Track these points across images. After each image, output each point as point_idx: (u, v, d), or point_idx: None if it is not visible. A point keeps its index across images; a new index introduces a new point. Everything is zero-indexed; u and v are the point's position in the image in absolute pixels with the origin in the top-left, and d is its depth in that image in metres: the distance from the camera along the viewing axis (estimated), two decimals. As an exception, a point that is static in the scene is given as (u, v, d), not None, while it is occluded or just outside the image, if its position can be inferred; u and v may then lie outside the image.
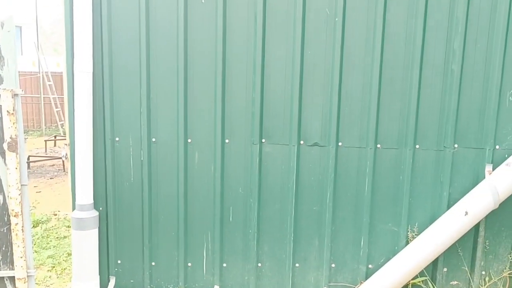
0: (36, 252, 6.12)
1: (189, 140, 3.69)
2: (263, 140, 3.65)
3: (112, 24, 3.57)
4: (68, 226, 7.47)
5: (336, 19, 3.44)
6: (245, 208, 3.76)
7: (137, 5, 3.53)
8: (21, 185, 2.95)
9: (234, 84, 3.59)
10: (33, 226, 7.18)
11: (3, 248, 3.04)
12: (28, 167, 11.53)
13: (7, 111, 2.76)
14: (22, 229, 2.97)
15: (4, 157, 2.90)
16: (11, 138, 2.80)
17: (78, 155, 3.57)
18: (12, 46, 2.86)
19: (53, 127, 17.79)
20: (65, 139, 15.92)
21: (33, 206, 8.39)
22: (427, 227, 3.59)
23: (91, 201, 3.67)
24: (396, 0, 3.41)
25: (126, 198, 3.79)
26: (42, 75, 16.56)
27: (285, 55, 3.52)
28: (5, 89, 2.78)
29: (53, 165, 12.73)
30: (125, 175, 3.75)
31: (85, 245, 3.66)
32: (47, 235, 6.97)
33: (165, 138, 3.69)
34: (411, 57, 3.45)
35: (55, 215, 8.15)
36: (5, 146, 2.78)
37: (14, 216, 2.89)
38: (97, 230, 3.72)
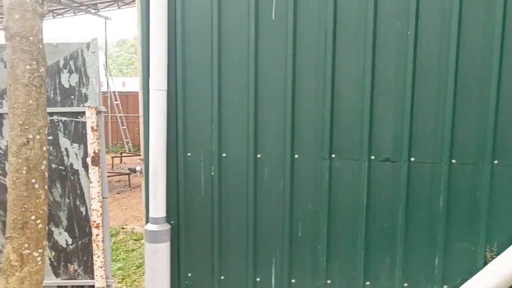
0: (106, 264, 6.36)
1: (258, 156, 3.73)
2: (333, 156, 3.63)
3: (186, 43, 3.70)
4: (136, 240, 7.72)
5: (408, 33, 3.40)
6: (314, 223, 3.74)
7: (210, 23, 3.65)
8: (103, 197, 3.09)
9: (304, 98, 3.61)
10: (103, 239, 7.46)
11: (84, 258, 3.18)
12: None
13: (91, 127, 2.92)
14: (102, 240, 3.10)
15: (87, 171, 3.06)
16: (94, 152, 2.95)
17: (152, 170, 3.69)
18: (96, 66, 3.04)
19: (119, 145, 18.52)
20: (131, 155, 16.43)
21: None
22: (507, 246, 3.41)
23: (164, 214, 3.78)
24: (471, 13, 3.32)
25: (197, 212, 3.87)
26: (110, 94, 17.34)
27: (356, 69, 3.51)
28: (89, 106, 2.95)
29: (120, 180, 13.22)
30: (196, 189, 3.84)
31: (158, 258, 3.76)
32: (116, 247, 7.22)
33: (235, 153, 3.75)
34: (488, 69, 3.34)
35: (123, 228, 8.44)
36: (88, 160, 2.93)
37: (95, 227, 3.03)
38: (169, 243, 3.81)
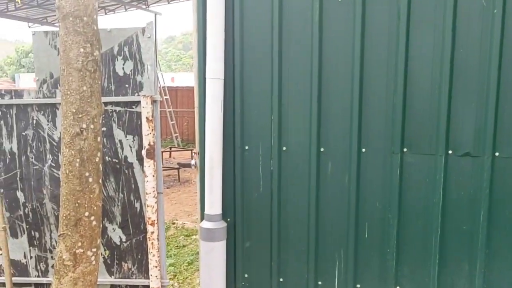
0: (158, 259, 6.24)
1: (321, 149, 3.45)
2: (405, 150, 3.30)
3: (244, 30, 3.46)
4: (186, 235, 7.60)
5: (495, 11, 3.01)
6: (382, 224, 3.42)
7: (270, 7, 3.39)
8: (158, 192, 2.90)
9: (373, 87, 3.29)
10: (154, 234, 7.38)
11: (139, 257, 3.01)
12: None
13: (147, 117, 2.73)
14: (158, 238, 2.91)
15: (142, 164, 2.87)
16: (149, 145, 2.76)
17: (208, 164, 3.48)
18: (151, 52, 2.84)
19: (169, 139, 18.63)
20: (180, 150, 16.48)
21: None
22: None
23: (220, 211, 3.57)
24: None
25: (255, 209, 3.63)
26: (160, 89, 17.45)
27: (432, 53, 3.15)
28: (145, 95, 2.75)
29: (169, 175, 13.22)
30: (254, 185, 3.60)
31: (213, 257, 3.55)
32: (167, 243, 7.12)
33: (297, 147, 3.48)
34: None
35: (173, 223, 8.35)
36: (143, 153, 2.75)
37: (151, 224, 2.84)
38: (225, 242, 3.60)
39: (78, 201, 2.10)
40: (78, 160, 2.08)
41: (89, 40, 2.06)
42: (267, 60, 3.45)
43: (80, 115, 2.06)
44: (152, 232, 2.87)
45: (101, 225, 2.24)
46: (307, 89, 3.40)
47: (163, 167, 13.46)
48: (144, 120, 2.73)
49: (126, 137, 2.86)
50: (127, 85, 2.86)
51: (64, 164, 2.12)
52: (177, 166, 12.94)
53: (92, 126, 2.09)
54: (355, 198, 3.43)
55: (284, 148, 3.51)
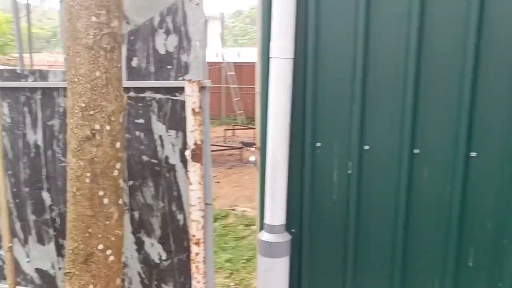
0: (214, 253, 5.73)
1: (416, 151, 2.68)
2: (533, 157, 2.47)
3: (321, 3, 2.73)
4: (246, 225, 7.05)
5: None
6: (495, 251, 2.63)
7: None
8: (205, 204, 2.29)
9: (490, 78, 2.47)
10: (213, 222, 6.89)
11: (181, 279, 2.43)
12: (209, 156, 11.64)
13: (192, 109, 2.10)
14: (204, 261, 2.31)
15: (186, 168, 2.27)
16: (195, 144, 2.13)
17: (270, 162, 2.82)
18: (200, 24, 2.19)
19: (232, 117, 18.20)
20: (244, 128, 16.01)
21: (213, 198, 8.20)
22: None
23: (283, 221, 2.91)
24: None
25: (327, 220, 2.94)
26: (225, 65, 16.97)
27: None
28: (190, 80, 2.11)
29: (231, 154, 12.76)
30: (326, 190, 2.90)
31: (273, 276, 2.92)
32: (225, 233, 6.60)
33: (383, 146, 2.74)
34: None
35: (233, 210, 7.83)
36: (187, 154, 2.13)
37: (195, 244, 2.24)
38: (288, 258, 2.95)
39: (89, 230, 1.53)
40: (88, 174, 1.50)
41: (104, 4, 1.44)
42: (349, 36, 2.70)
43: (92, 112, 1.46)
44: (197, 254, 2.27)
45: (121, 261, 1.66)
46: (400, 75, 2.62)
47: (225, 146, 13.04)
48: (189, 112, 2.10)
49: (167, 132, 2.26)
50: (169, 67, 2.24)
51: (70, 179, 1.54)
52: (240, 146, 12.44)
53: (108, 128, 1.49)
54: (458, 215, 2.65)
55: (367, 147, 2.77)
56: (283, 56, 2.72)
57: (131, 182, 2.40)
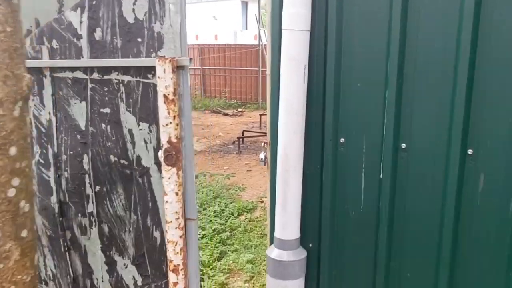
0: (236, 251, 5.24)
1: (469, 151, 2.04)
2: None
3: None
4: (274, 220, 6.49)
5: None
6: None
7: None
8: (186, 219, 1.75)
9: None
10: (238, 215, 6.40)
11: (159, 311, 1.92)
12: (243, 142, 11.15)
13: (165, 95, 1.55)
14: (185, 293, 1.78)
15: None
16: (169, 142, 1.59)
17: (281, 162, 2.26)
18: (177, -19, 1.63)
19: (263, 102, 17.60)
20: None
21: (241, 187, 7.71)
22: None
23: (297, 234, 2.36)
24: None
25: (351, 234, 2.36)
26: (261, 48, 16.35)
27: None
28: (162, 57, 1.56)
29: (256, 142, 12.21)
30: (351, 198, 2.32)
31: (285, 300, 2.38)
32: (250, 228, 6.08)
33: (424, 145, 2.12)
34: None
35: (262, 202, 7.30)
36: (160, 155, 1.59)
37: (173, 271, 1.71)
38: (302, 280, 2.40)
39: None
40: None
41: None
42: (383, 5, 2.08)
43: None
44: (176, 284, 1.73)
45: None
46: (450, 55, 1.98)
47: (260, 132, 12.48)
48: (160, 99, 1.55)
49: (138, 125, 1.73)
50: (139, 39, 1.70)
51: None
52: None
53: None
54: (526, 239, 2.01)
55: (404, 145, 2.16)
56: (297, 27, 2.13)
57: (97, 188, 1.91)
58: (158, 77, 1.55)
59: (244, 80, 17.42)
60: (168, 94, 1.56)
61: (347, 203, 2.32)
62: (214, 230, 5.59)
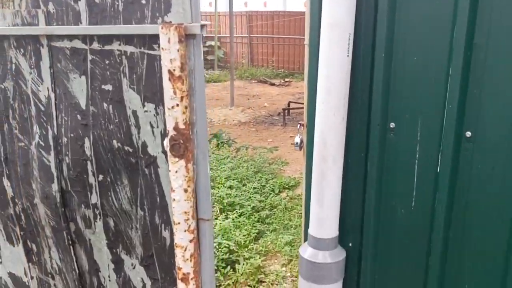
0: (275, 231, 4.97)
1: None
2: None
3: None
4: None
5: None
6: None
7: None
8: (198, 220, 1.47)
9: None
10: (278, 192, 6.12)
11: (172, 320, 1.67)
12: (288, 113, 10.78)
13: (170, 71, 1.24)
14: (196, 306, 1.50)
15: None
16: (176, 129, 1.28)
17: (318, 149, 1.92)
18: None
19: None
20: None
21: (285, 162, 7.40)
22: None
23: (335, 233, 2.03)
24: None
25: (398, 235, 2.01)
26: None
27: None
28: (168, 23, 1.24)
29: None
30: (400, 193, 1.95)
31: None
32: (291, 206, 5.78)
33: (496, 134, 1.71)
34: None
35: (304, 178, 6.96)
36: (165, 144, 1.29)
37: (182, 280, 1.43)
38: (340, 284, 2.08)
39: None
40: None
41: None
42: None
43: None
44: (185, 294, 1.46)
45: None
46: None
47: (301, 103, 12.04)
48: (165, 76, 1.24)
49: (144, 106, 1.43)
50: (143, 1, 1.37)
51: None
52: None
53: None
54: None
55: (469, 134, 1.76)
56: (340, -12, 1.75)
57: (101, 177, 1.66)
58: (162, 49, 1.24)
59: (292, 49, 16.86)
60: (174, 70, 1.25)
61: (395, 199, 1.96)
62: (253, 208, 5.33)
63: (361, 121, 1.92)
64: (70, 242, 1.81)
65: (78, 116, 1.64)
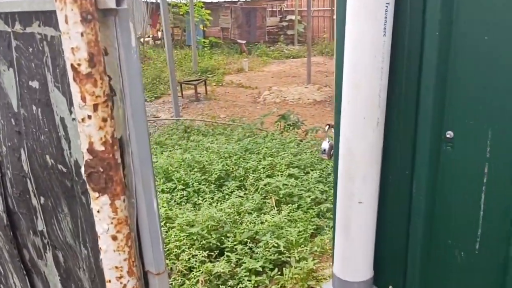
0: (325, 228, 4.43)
1: None
2: None
3: None
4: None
5: None
6: None
7: None
8: (146, 272, 1.04)
9: None
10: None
11: None
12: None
13: (72, 66, 0.81)
14: None
15: (87, 199, 1.04)
16: (91, 151, 0.85)
17: (344, 161, 1.41)
18: None
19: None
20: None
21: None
22: None
23: (368, 275, 1.52)
24: None
25: (456, 284, 1.45)
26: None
27: None
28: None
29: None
30: (459, 228, 1.39)
31: None
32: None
33: None
34: None
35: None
36: (83, 172, 0.88)
37: None
38: None
39: None
40: None
41: None
42: None
43: None
44: None
45: None
46: None
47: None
48: (69, 73, 0.81)
49: (71, 112, 1.00)
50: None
51: None
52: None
53: None
54: None
55: None
56: None
57: (42, 200, 1.28)
58: (62, 33, 0.82)
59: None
60: (79, 65, 0.82)
61: (452, 236, 1.40)
62: (313, 200, 4.81)
63: (404, 127, 1.37)
64: (25, 272, 1.50)
65: (12, 120, 1.28)
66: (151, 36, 16.13)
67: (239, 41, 15.04)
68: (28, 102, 1.16)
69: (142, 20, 15.18)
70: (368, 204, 1.42)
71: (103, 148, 0.87)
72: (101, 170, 0.89)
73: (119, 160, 0.89)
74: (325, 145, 1.64)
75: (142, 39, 14.89)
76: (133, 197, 0.98)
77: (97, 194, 0.90)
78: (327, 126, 1.67)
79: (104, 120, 0.85)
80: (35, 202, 1.31)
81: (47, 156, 1.17)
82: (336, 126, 1.46)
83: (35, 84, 1.09)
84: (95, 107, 0.84)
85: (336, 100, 1.47)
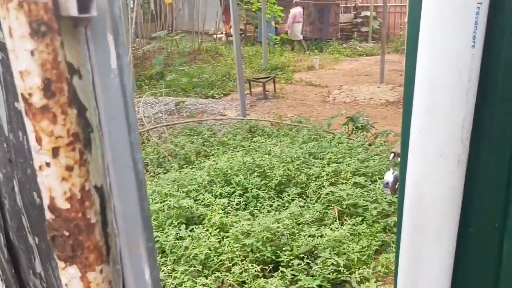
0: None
1: None
2: None
3: None
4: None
5: None
6: None
7: None
8: None
9: None
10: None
11: None
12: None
13: (23, 96, 0.59)
14: None
15: None
16: (53, 209, 0.62)
17: (410, 208, 1.10)
18: None
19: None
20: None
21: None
22: None
23: None
24: None
25: None
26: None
27: None
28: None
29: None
30: None
31: None
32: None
33: None
34: None
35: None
36: (49, 236, 0.66)
37: None
38: None
39: None
40: None
41: None
42: None
43: None
44: None
45: None
46: None
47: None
48: (22, 104, 0.59)
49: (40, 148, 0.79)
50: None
51: None
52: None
53: None
54: None
55: None
56: None
57: (37, 240, 1.08)
58: (9, 51, 0.59)
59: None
60: (30, 94, 0.59)
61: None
62: (379, 213, 4.42)
63: (495, 168, 1.04)
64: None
65: (4, 144, 1.09)
66: (223, 32, 16.13)
67: (295, 38, 14.54)
68: (15, 126, 0.96)
69: (216, 16, 15.23)
70: (441, 264, 1.10)
71: (68, 206, 0.63)
72: (66, 234, 0.66)
73: (94, 220, 0.65)
74: (389, 177, 1.32)
75: (215, 36, 14.94)
76: (117, 263, 0.74)
77: (63, 264, 0.67)
78: (392, 154, 1.35)
79: (69, 168, 0.62)
80: (31, 240, 1.12)
81: (35, 194, 0.97)
82: (403, 161, 1.14)
83: (19, 106, 0.90)
84: (55, 152, 0.60)
85: (403, 126, 1.15)
